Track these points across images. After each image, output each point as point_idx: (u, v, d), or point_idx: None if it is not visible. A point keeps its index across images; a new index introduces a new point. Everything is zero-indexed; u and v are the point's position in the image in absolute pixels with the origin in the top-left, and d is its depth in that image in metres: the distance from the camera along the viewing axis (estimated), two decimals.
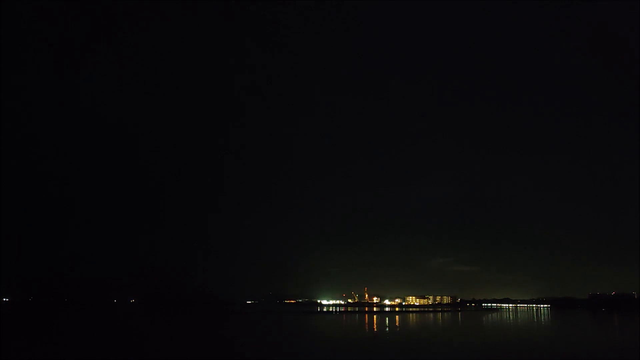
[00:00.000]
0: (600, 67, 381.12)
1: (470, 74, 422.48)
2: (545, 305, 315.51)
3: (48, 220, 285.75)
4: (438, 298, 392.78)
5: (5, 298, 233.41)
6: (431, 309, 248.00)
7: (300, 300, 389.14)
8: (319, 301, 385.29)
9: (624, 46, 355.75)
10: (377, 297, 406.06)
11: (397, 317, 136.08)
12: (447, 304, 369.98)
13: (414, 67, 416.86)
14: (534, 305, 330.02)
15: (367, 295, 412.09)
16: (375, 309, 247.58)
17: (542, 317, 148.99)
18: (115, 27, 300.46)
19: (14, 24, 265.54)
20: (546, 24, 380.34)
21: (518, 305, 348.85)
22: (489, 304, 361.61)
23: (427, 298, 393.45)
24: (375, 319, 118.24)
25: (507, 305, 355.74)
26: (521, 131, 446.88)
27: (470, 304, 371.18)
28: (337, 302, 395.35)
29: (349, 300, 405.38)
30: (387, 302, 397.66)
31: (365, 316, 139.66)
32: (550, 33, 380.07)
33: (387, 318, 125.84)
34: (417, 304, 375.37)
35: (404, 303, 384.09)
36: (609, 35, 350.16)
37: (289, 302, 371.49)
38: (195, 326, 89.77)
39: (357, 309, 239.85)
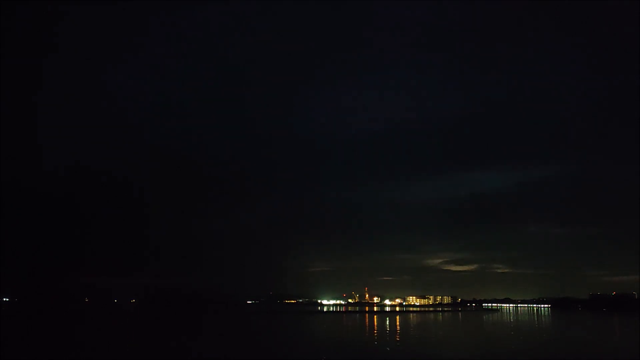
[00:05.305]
0: (599, 66, 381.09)
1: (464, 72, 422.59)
2: (545, 306, 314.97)
3: (48, 221, 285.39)
4: (438, 298, 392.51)
5: (5, 298, 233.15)
6: (431, 309, 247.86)
7: (300, 300, 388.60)
8: (319, 301, 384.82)
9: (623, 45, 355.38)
10: (378, 297, 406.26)
11: (397, 317, 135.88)
12: (447, 304, 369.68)
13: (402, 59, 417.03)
14: (535, 306, 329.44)
15: (367, 295, 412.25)
16: (375, 308, 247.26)
17: (543, 317, 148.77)
18: None
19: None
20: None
21: (519, 305, 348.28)
22: (490, 304, 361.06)
23: (428, 298, 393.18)
24: (375, 319, 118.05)
25: (507, 305, 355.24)
26: (518, 131, 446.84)
27: (471, 304, 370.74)
28: (338, 302, 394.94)
29: (350, 300, 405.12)
30: (387, 302, 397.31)
31: (365, 316, 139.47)
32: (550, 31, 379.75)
33: (387, 318, 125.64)
34: (418, 304, 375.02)
35: (404, 303, 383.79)
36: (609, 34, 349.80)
37: (290, 302, 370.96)
38: (193, 325, 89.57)
39: (357, 308, 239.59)
